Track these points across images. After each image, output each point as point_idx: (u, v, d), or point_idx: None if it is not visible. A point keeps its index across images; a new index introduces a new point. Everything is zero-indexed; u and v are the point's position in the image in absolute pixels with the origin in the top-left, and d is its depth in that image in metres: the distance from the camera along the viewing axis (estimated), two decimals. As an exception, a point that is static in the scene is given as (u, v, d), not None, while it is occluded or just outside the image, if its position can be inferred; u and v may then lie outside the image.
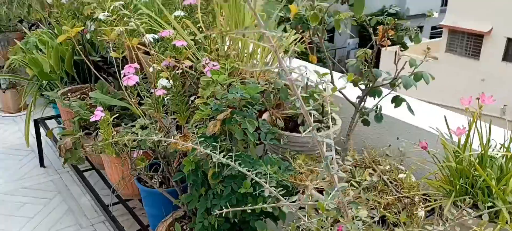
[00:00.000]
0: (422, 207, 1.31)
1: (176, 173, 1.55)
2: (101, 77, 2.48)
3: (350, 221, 0.74)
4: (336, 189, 0.74)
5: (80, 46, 2.85)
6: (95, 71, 2.47)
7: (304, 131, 0.89)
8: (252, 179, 1.25)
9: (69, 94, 2.79)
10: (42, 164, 3.18)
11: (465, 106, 1.07)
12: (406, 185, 1.33)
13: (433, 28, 25.51)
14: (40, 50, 2.99)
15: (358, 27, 1.53)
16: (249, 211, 1.34)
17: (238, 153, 1.35)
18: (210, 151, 1.03)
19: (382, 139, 1.68)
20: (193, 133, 1.34)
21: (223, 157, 1.22)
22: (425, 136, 1.46)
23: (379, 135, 1.68)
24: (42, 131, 3.10)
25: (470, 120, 1.13)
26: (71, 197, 2.84)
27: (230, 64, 1.44)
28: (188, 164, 1.43)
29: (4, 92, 3.99)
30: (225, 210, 0.99)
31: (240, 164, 1.02)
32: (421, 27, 26.78)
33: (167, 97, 1.70)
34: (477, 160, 1.11)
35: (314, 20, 1.19)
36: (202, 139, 1.33)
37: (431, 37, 24.23)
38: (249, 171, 0.97)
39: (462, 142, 1.16)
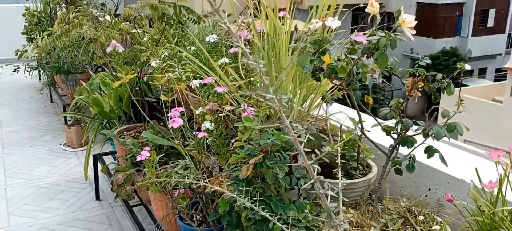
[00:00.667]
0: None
1: (213, 213, 1.62)
2: (155, 117, 2.65)
3: None
4: None
5: (137, 88, 3.08)
6: (145, 114, 2.64)
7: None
8: (281, 223, 1.29)
9: (125, 132, 2.99)
10: (97, 197, 3.38)
11: (495, 160, 1.06)
12: (439, 237, 1.30)
13: (497, 70, 24.38)
14: (103, 91, 3.25)
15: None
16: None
17: (269, 197, 1.40)
18: (238, 194, 1.09)
19: (419, 188, 1.66)
20: (228, 177, 1.41)
21: (255, 201, 1.28)
22: (459, 186, 1.43)
23: (414, 183, 1.67)
24: (99, 165, 3.31)
25: (501, 174, 1.11)
26: (121, 231, 2.99)
27: (263, 112, 1.51)
28: (223, 205, 1.50)
29: (69, 128, 4.32)
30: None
31: (264, 209, 1.06)
32: (484, 69, 25.67)
33: (209, 140, 1.80)
34: (509, 216, 1.08)
35: (342, 72, 1.24)
36: (235, 182, 1.39)
37: (495, 80, 23.11)
38: (271, 215, 1.01)
39: (495, 194, 1.13)
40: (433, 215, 1.45)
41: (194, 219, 1.92)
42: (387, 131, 1.39)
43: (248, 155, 1.39)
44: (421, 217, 1.40)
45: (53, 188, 3.58)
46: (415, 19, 1.31)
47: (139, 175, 2.51)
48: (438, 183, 1.60)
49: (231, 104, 1.80)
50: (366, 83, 1.28)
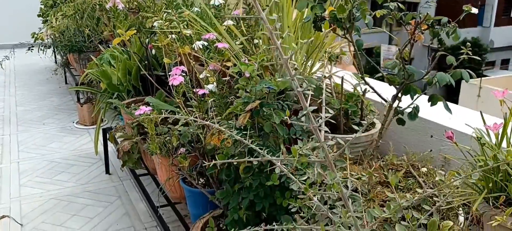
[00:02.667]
0: (460, 211, 1.23)
1: (210, 168, 1.59)
2: (163, 90, 2.64)
3: (334, 174, 0.72)
4: (320, 143, 0.73)
5: (145, 62, 3.08)
6: (156, 85, 2.63)
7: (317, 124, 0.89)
8: (280, 173, 1.26)
9: (132, 104, 2.98)
10: (107, 171, 3.40)
11: (498, 98, 1.00)
12: (443, 186, 1.25)
13: (520, 60, 23.74)
14: (112, 65, 3.26)
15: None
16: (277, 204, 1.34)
17: (268, 147, 1.37)
18: (235, 142, 1.06)
19: (423, 146, 1.60)
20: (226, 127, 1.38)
21: (252, 149, 1.24)
22: (463, 138, 1.38)
23: (418, 141, 1.61)
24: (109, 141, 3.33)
25: (507, 113, 1.05)
26: (129, 202, 2.99)
27: (260, 58, 1.47)
28: (221, 157, 1.47)
29: (82, 106, 4.36)
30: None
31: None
32: (507, 60, 25.01)
33: (211, 100, 1.77)
34: (514, 156, 1.02)
35: (341, 11, 1.19)
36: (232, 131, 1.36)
37: (518, 71, 22.49)
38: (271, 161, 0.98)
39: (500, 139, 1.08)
40: (437, 169, 1.39)
41: (197, 182, 1.90)
42: (390, 80, 1.34)
43: (244, 104, 1.36)
44: (424, 169, 1.35)
45: (64, 162, 3.61)
46: (436, 8, 1.26)
47: (145, 143, 2.51)
48: (442, 138, 1.54)
49: (234, 64, 1.77)
50: (366, 22, 1.23)
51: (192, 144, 1.65)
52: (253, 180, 1.37)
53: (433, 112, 1.62)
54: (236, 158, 1.46)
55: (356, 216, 0.73)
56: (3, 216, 2.80)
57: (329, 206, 0.97)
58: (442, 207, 1.10)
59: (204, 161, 1.70)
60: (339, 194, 0.76)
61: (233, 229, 1.50)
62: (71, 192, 3.13)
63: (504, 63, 24.79)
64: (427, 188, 1.26)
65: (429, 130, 1.58)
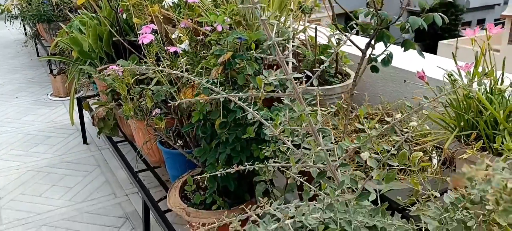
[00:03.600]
0: (433, 155, 1.25)
1: (186, 126, 1.58)
2: (136, 55, 2.57)
3: (303, 106, 0.71)
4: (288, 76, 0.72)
5: (117, 27, 2.99)
6: (129, 48, 2.57)
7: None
8: (254, 124, 1.25)
9: (104, 71, 2.91)
10: (85, 141, 3.35)
11: (469, 36, 1.00)
12: (417, 132, 1.26)
13: (496, 20, 24.06)
14: (83, 32, 3.16)
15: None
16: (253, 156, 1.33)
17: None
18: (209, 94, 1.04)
19: (399, 95, 1.61)
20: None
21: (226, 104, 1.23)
22: (435, 83, 1.38)
23: (394, 91, 1.62)
24: (85, 111, 3.26)
25: (478, 52, 1.06)
26: (109, 170, 2.97)
27: (230, 8, 1.44)
28: (196, 115, 1.45)
29: (55, 77, 4.25)
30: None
31: (236, 113, 1.02)
32: (483, 20, 25.30)
33: (184, 58, 1.74)
34: (485, 94, 1.03)
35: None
36: (206, 87, 1.34)
37: (493, 30, 22.81)
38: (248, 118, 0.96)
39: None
40: (411, 116, 1.40)
41: (175, 143, 1.88)
42: (364, 27, 1.32)
43: (216, 57, 1.33)
44: (398, 116, 1.36)
45: (40, 134, 3.54)
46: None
47: (120, 108, 2.46)
48: (416, 86, 1.55)
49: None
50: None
51: (167, 102, 1.63)
52: (229, 134, 1.36)
53: (407, 61, 1.63)
54: (211, 113, 1.45)
55: (327, 149, 0.73)
56: (-21, 190, 2.74)
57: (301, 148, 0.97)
58: (415, 148, 1.12)
59: (179, 120, 1.67)
60: (308, 128, 0.75)
61: (211, 185, 1.50)
62: (48, 163, 3.08)
63: (480, 23, 25.09)
64: (399, 131, 1.27)
65: (403, 79, 1.59)
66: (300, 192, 1.09)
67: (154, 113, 1.79)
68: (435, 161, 1.26)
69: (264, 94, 0.75)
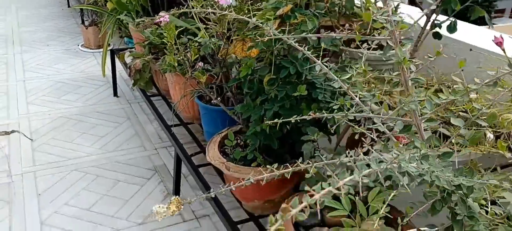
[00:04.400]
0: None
1: (232, 80, 1.55)
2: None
3: (401, 51, 0.68)
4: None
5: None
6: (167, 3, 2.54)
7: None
8: (307, 81, 1.22)
9: (140, 25, 2.90)
10: (115, 93, 3.37)
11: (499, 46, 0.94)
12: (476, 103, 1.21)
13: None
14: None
15: None
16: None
17: (295, 57, 1.32)
18: (261, 52, 1.01)
19: (451, 70, 1.55)
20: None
21: (280, 59, 1.19)
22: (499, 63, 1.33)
23: (444, 66, 1.56)
24: (117, 62, 3.27)
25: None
26: (139, 124, 2.99)
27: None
28: (245, 70, 1.42)
29: (86, 28, 4.25)
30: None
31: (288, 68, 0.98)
32: (503, 10, 24.47)
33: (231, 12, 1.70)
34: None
35: None
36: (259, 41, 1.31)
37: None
38: (299, 76, 0.92)
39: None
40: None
41: (215, 98, 1.86)
42: (428, -8, 1.27)
43: (274, 9, 1.29)
44: (456, 86, 1.31)
45: (71, 83, 3.57)
46: None
47: (157, 62, 2.45)
48: (479, 60, 1.49)
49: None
50: None
51: (214, 56, 1.60)
52: (278, 91, 1.33)
53: (465, 34, 1.56)
54: (260, 69, 1.42)
55: (418, 101, 0.69)
56: (13, 131, 2.79)
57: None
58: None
59: (223, 75, 1.65)
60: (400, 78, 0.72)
61: (253, 142, 1.49)
62: (79, 112, 3.11)
63: (514, 11, 24.21)
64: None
65: (454, 53, 1.53)
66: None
67: (196, 67, 1.77)
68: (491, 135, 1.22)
69: (360, 36, 0.71)
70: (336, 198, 1.07)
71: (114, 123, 2.99)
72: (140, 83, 2.48)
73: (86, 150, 2.66)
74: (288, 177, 0.87)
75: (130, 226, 2.09)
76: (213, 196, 0.81)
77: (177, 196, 0.78)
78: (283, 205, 1.33)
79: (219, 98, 1.87)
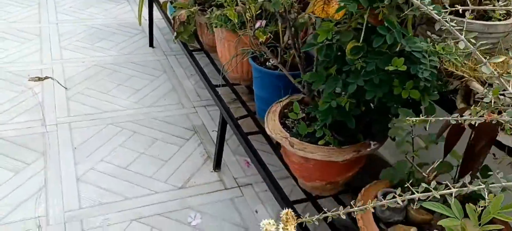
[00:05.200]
0: None
1: (303, 46, 1.36)
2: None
3: None
4: None
5: None
6: None
7: None
8: (403, 54, 1.02)
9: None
10: (151, 44, 3.20)
11: None
12: None
13: None
14: None
15: None
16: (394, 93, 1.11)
17: (391, 22, 1.11)
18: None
19: None
20: None
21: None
22: None
23: None
24: (155, 11, 3.06)
25: None
26: (176, 78, 2.82)
27: None
28: (323, 34, 1.22)
29: (121, -29, 4.03)
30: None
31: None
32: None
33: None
34: None
35: None
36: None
37: None
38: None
39: None
40: None
41: (278, 62, 1.67)
42: None
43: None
44: None
45: (105, 29, 3.40)
46: None
47: (203, 15, 2.25)
48: None
49: None
50: None
51: (283, 15, 1.40)
52: (366, 63, 1.13)
53: None
54: (342, 35, 1.21)
55: None
56: (47, 77, 2.66)
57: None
58: None
59: (292, 36, 1.45)
60: None
61: (323, 117, 1.30)
62: (114, 61, 2.96)
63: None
64: None
65: None
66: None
67: (257, 25, 1.57)
68: None
69: None
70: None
71: (150, 75, 2.83)
72: (183, 36, 2.29)
73: (122, 103, 2.52)
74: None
75: (169, 189, 1.96)
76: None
77: (290, 210, 0.61)
78: (361, 195, 1.15)
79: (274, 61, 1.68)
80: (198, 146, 2.25)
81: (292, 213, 0.60)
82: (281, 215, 0.62)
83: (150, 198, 1.91)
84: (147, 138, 2.27)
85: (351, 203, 1.05)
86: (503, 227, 0.88)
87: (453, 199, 0.88)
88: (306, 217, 0.61)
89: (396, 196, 1.15)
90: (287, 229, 0.58)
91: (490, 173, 0.86)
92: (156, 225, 1.78)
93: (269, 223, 0.58)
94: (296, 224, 0.59)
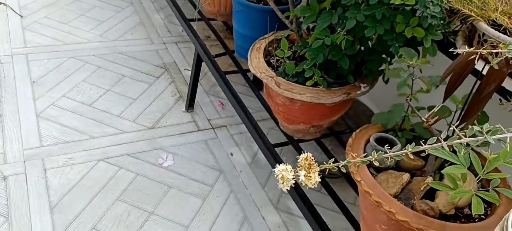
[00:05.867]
0: None
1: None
2: None
3: None
4: None
5: None
6: None
7: None
8: None
9: None
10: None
11: None
12: None
13: None
14: None
15: None
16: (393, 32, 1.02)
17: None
18: None
19: None
20: None
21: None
22: None
23: None
24: None
25: None
26: (144, 11, 2.62)
27: None
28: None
29: None
30: None
31: None
32: None
33: None
34: None
35: None
36: None
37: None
38: None
39: None
40: None
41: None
42: None
43: None
44: None
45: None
46: None
47: None
48: None
49: None
50: None
51: None
52: (371, -3, 1.03)
53: None
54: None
55: None
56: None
57: None
58: None
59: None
60: None
61: (313, 56, 1.21)
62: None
63: None
64: None
65: None
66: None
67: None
68: None
69: None
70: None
71: (115, 6, 2.61)
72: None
73: (85, 35, 2.32)
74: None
75: (138, 129, 1.85)
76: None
77: (309, 154, 0.52)
78: (352, 139, 1.08)
79: (262, 3, 1.55)
80: (169, 84, 2.12)
81: (312, 157, 0.51)
82: (299, 160, 0.53)
83: (118, 138, 1.78)
84: (113, 74, 2.11)
85: (352, 154, 0.98)
86: (508, 175, 0.83)
87: (463, 149, 0.82)
88: (329, 163, 0.52)
89: (393, 138, 1.09)
90: (310, 177, 0.49)
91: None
92: (124, 165, 1.67)
93: (286, 169, 0.49)
94: (319, 170, 0.50)
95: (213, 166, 1.75)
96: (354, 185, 1.30)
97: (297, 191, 1.27)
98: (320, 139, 1.49)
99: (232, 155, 1.81)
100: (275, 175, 0.50)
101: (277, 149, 1.44)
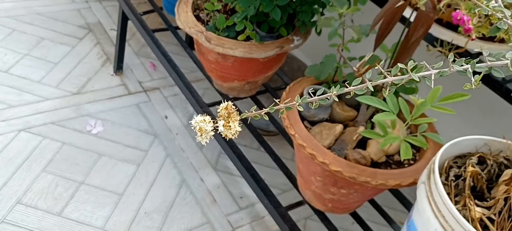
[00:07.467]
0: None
1: None
2: None
3: None
4: None
5: None
6: None
7: None
8: None
9: None
10: None
11: None
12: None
13: None
14: None
15: None
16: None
17: None
18: None
19: None
20: None
21: None
22: None
23: None
24: None
25: None
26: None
27: None
28: None
29: None
30: None
31: None
32: None
33: None
34: None
35: None
36: None
37: None
38: None
39: None
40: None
41: None
42: None
43: None
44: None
45: None
46: None
47: None
48: None
49: None
50: None
51: None
52: None
53: None
54: None
55: None
56: None
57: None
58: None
59: None
60: None
61: (244, 8, 1.16)
62: None
63: None
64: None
65: None
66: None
67: None
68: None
69: None
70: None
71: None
72: None
73: (-5, -5, 2.09)
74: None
75: (62, 95, 1.72)
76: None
77: (230, 102, 0.48)
78: (285, 93, 1.06)
79: None
80: (95, 46, 1.98)
81: (233, 106, 0.47)
82: (219, 110, 0.49)
83: (40, 106, 1.65)
84: (30, 37, 1.92)
85: (277, 101, 0.95)
86: (435, 119, 0.85)
87: (388, 90, 0.81)
88: (251, 111, 0.48)
89: (326, 90, 1.08)
90: (230, 126, 0.46)
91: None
92: (49, 134, 1.55)
93: (204, 120, 0.45)
94: (239, 119, 0.47)
95: (147, 130, 1.67)
96: (291, 142, 1.29)
97: (233, 150, 1.24)
98: (256, 95, 1.46)
99: (166, 118, 1.74)
100: (192, 127, 0.46)
101: (213, 109, 1.39)
